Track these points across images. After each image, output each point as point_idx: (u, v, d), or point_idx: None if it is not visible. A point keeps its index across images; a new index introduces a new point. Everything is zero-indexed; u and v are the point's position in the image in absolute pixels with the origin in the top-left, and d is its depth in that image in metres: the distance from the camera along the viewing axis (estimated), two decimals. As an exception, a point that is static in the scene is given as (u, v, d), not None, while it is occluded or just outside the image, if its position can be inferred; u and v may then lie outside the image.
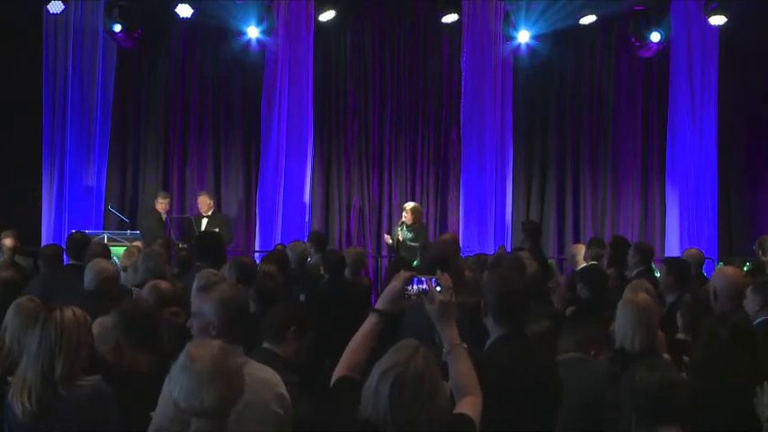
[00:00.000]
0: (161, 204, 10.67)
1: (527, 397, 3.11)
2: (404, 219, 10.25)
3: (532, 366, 3.27)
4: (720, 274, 5.04)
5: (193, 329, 3.29)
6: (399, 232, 10.14)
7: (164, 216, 10.63)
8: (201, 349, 2.71)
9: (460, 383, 2.75)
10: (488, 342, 3.32)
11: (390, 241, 10.16)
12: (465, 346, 2.81)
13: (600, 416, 3.53)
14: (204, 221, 10.59)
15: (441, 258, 4.15)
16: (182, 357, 2.69)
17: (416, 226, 10.16)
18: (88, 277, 5.37)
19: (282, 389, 3.20)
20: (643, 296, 4.15)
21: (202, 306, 3.25)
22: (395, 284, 2.87)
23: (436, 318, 2.84)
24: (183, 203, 11.89)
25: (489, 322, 3.35)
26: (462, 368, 2.77)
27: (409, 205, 10.40)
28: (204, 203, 10.78)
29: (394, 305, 2.88)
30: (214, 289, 3.29)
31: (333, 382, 2.78)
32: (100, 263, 5.52)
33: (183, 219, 10.88)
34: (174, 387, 2.65)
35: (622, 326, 3.98)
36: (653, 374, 2.85)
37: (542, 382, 3.25)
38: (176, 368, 2.68)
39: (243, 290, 3.73)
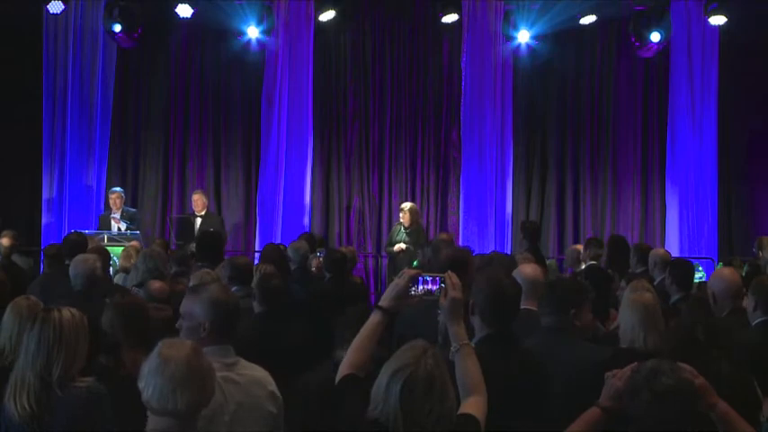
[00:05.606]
0: (112, 200, 10.46)
1: (509, 397, 3.06)
2: (401, 220, 10.20)
3: (515, 366, 3.24)
4: (717, 276, 5.01)
5: (182, 331, 3.21)
6: (396, 237, 10.05)
7: (113, 212, 10.34)
8: (174, 350, 2.64)
9: (467, 383, 2.74)
10: (472, 341, 3.29)
11: (403, 247, 9.94)
12: (473, 345, 2.80)
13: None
14: (198, 221, 10.51)
15: (457, 262, 4.14)
16: (153, 358, 2.63)
17: (414, 228, 10.10)
18: (73, 275, 5.35)
19: (274, 387, 3.18)
20: (648, 295, 4.05)
21: (193, 307, 3.19)
22: (399, 282, 2.87)
23: (447, 315, 2.84)
24: (183, 203, 11.87)
25: (476, 321, 3.34)
26: (470, 367, 2.77)
27: (407, 206, 10.30)
28: (199, 202, 10.69)
29: (398, 303, 2.87)
30: (204, 290, 3.26)
31: (338, 380, 2.77)
32: (83, 258, 5.48)
33: (184, 218, 10.83)
34: (147, 388, 2.60)
35: (630, 326, 3.85)
36: (677, 405, 2.60)
37: (526, 383, 3.22)
38: (148, 369, 2.62)
39: (233, 291, 3.68)
